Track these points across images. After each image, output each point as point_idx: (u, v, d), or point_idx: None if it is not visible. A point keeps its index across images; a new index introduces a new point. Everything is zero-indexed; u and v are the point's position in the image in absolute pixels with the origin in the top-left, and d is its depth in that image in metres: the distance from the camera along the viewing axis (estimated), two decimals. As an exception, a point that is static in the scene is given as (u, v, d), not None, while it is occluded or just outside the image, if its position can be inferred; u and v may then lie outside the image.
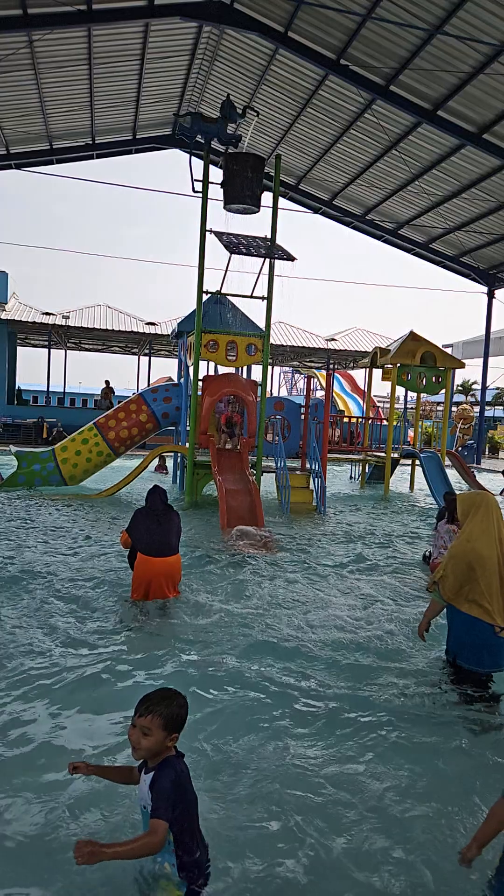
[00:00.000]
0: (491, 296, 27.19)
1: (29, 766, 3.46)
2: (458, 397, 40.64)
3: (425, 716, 4.21)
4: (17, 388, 32.50)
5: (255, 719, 4.06)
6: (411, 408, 25.33)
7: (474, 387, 42.20)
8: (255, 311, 20.76)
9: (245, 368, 15.52)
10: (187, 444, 13.44)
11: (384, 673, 4.90)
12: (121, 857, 2.20)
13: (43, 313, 29.58)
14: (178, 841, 2.37)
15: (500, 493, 15.97)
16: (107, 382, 29.84)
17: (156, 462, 18.50)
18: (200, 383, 13.39)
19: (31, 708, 4.11)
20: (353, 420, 21.06)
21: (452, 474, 17.59)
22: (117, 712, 4.04)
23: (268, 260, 12.99)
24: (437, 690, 4.55)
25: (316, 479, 13.52)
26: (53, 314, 29.66)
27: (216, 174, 13.27)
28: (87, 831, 2.93)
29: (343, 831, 3.09)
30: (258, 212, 12.93)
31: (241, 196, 12.47)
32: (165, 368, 40.22)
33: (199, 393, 13.22)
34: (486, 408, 34.43)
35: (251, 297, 13.47)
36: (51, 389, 33.54)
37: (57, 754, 3.55)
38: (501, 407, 49.10)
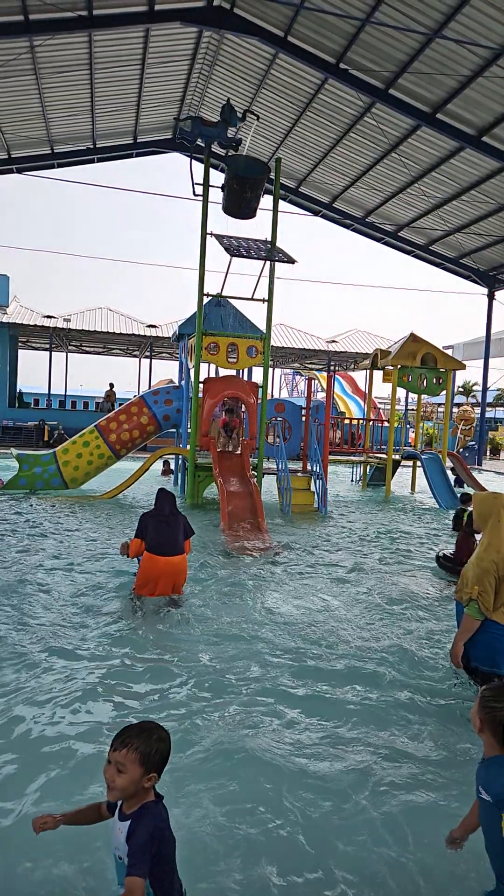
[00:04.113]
0: (491, 297, 27.28)
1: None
2: (458, 398, 40.66)
3: (455, 755, 3.83)
4: (18, 390, 32.59)
5: (254, 747, 3.70)
6: (412, 409, 25.38)
7: (475, 388, 42.23)
8: (255, 313, 20.84)
9: (246, 370, 15.59)
10: (188, 447, 13.51)
11: (399, 691, 4.58)
12: None
13: (44, 316, 29.68)
14: (156, 889, 2.24)
15: None
16: (111, 385, 29.95)
17: (160, 465, 18.44)
18: (201, 385, 13.45)
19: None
20: (354, 421, 21.12)
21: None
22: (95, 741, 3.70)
23: (268, 262, 13.06)
24: (463, 724, 4.15)
25: (317, 481, 13.56)
26: (55, 317, 29.76)
27: (217, 177, 13.35)
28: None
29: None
30: (255, 217, 13.03)
31: (238, 213, 12.61)
32: (166, 371, 40.36)
33: (200, 395, 13.28)
34: (487, 409, 34.47)
35: (252, 299, 13.54)
36: (52, 392, 33.62)
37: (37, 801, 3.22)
38: (502, 408, 49.14)
